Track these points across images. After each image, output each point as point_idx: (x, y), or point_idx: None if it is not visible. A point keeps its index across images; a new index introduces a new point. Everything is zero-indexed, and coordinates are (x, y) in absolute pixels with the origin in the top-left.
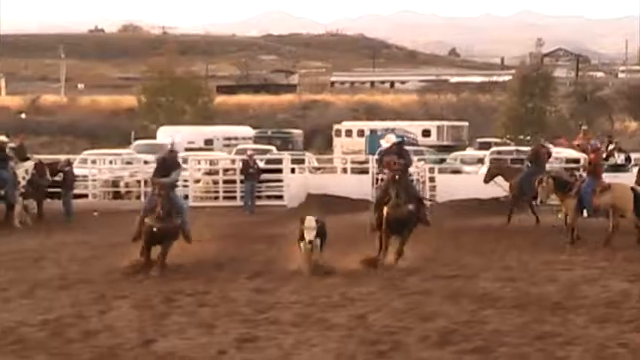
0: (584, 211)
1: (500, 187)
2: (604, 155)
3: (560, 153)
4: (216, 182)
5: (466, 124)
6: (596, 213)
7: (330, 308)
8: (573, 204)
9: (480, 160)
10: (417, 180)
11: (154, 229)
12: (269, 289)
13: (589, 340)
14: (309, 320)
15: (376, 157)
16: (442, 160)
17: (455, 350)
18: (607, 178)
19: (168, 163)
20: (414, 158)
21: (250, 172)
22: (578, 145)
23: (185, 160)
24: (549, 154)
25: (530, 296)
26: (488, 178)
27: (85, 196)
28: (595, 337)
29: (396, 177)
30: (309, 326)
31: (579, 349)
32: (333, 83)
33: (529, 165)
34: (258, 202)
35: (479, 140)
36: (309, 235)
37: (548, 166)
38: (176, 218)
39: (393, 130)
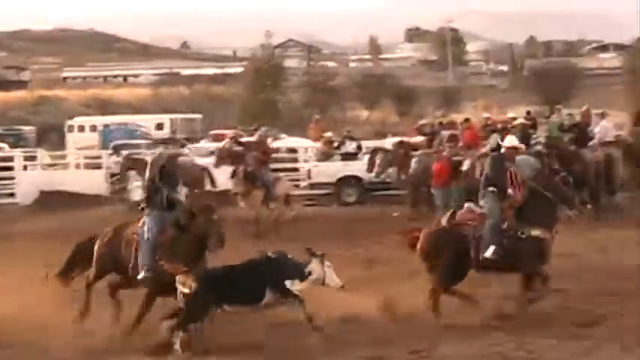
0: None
1: None
2: (335, 144)
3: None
4: None
5: (199, 116)
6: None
7: None
8: (260, 195)
9: (212, 153)
10: None
11: None
12: None
13: None
14: None
15: (109, 151)
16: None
17: None
18: (339, 165)
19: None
20: (149, 152)
21: None
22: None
23: None
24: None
25: None
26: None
27: None
28: None
29: None
30: None
31: None
32: (65, 79)
33: None
34: None
35: (212, 132)
36: None
37: None
38: None
39: (126, 125)
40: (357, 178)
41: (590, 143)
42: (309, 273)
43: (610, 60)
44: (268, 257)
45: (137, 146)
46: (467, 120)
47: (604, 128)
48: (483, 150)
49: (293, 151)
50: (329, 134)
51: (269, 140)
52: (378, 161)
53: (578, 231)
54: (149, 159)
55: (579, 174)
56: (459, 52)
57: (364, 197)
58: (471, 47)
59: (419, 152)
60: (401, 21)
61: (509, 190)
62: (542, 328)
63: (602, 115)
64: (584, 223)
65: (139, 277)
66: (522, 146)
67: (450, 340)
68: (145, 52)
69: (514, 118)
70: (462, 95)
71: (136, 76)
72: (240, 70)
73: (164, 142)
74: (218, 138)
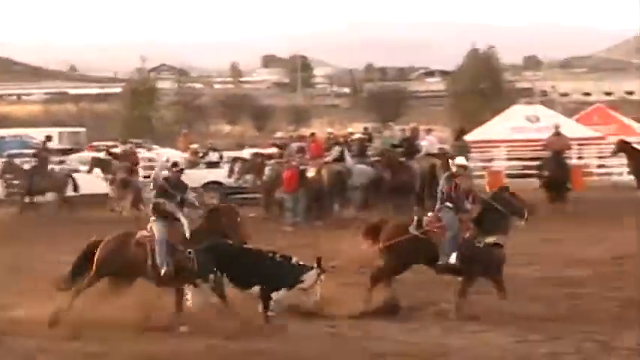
0: None
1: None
2: (200, 155)
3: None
4: None
5: (84, 130)
6: None
7: None
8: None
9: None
10: None
11: None
12: None
13: None
14: None
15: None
16: (61, 162)
17: None
18: (203, 172)
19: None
20: None
21: None
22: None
23: None
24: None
25: None
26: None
27: None
28: None
29: None
30: None
31: None
32: None
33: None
34: None
35: (94, 143)
36: None
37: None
38: None
39: (20, 137)
40: (219, 183)
41: (418, 155)
42: (301, 281)
43: (435, 84)
44: (272, 258)
45: (29, 155)
46: (313, 134)
47: (430, 142)
48: (327, 159)
49: None
50: (195, 146)
51: (138, 151)
52: (237, 169)
53: None
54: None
55: (407, 182)
56: (308, 76)
57: (225, 200)
58: (318, 72)
59: (272, 161)
60: (259, 49)
61: (467, 205)
62: None
63: (428, 131)
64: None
65: (161, 273)
66: (469, 165)
67: None
68: (37, 73)
69: (352, 133)
70: (310, 113)
71: (28, 94)
72: (119, 90)
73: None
74: (93, 149)
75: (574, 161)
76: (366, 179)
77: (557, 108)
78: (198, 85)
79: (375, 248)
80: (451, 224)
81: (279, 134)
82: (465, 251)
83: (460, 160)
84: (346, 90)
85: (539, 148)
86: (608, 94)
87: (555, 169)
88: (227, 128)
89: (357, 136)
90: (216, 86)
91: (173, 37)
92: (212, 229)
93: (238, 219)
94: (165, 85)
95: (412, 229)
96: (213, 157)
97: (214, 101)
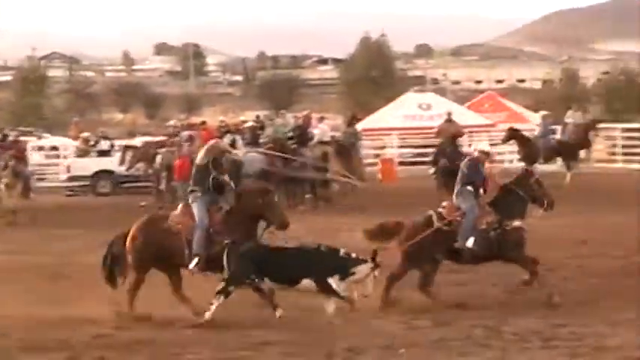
0: None
1: None
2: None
3: None
4: None
5: None
6: None
7: None
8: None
9: None
10: None
11: None
12: None
13: None
14: None
15: None
16: None
17: None
18: (95, 161)
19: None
20: None
21: None
22: None
23: None
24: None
25: None
26: None
27: None
28: None
29: None
30: None
31: None
32: None
33: None
34: None
35: None
36: None
37: None
38: None
39: None
40: (110, 172)
41: (310, 143)
42: (353, 273)
43: (328, 72)
44: (317, 249)
45: None
46: (203, 122)
47: (322, 130)
48: None
49: (55, 148)
50: (86, 134)
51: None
52: (128, 157)
53: (300, 217)
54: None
55: (300, 169)
56: (200, 64)
57: (117, 189)
58: (211, 60)
59: (163, 150)
60: (151, 37)
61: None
62: None
63: (321, 119)
64: (307, 210)
65: (190, 267)
66: (493, 151)
67: None
68: None
69: (245, 122)
70: (203, 101)
71: None
72: (9, 78)
73: None
74: None
75: (465, 149)
76: (258, 167)
77: (449, 96)
78: (89, 74)
79: (398, 248)
80: (471, 209)
81: (171, 122)
82: (485, 236)
83: (484, 145)
84: (239, 78)
85: (431, 135)
86: (500, 81)
87: (449, 157)
88: (119, 116)
89: (249, 124)
90: (108, 74)
91: (64, 26)
92: (247, 213)
93: (276, 200)
94: (56, 73)
95: (436, 222)
96: (104, 145)
97: (106, 89)
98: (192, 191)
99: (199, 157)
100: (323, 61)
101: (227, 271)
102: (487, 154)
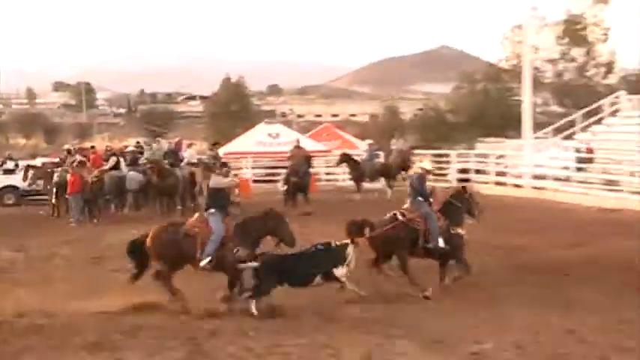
0: None
1: None
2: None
3: None
4: None
5: None
6: None
7: None
8: None
9: None
10: None
11: None
12: None
13: None
14: None
15: None
16: None
17: None
18: (1, 178)
19: None
20: None
21: None
22: None
23: None
24: None
25: None
26: None
27: None
28: None
29: None
30: None
31: None
32: None
33: None
34: None
35: None
36: None
37: None
38: None
39: None
40: (15, 187)
41: (181, 164)
42: (346, 257)
43: (196, 106)
44: (318, 249)
45: None
46: (93, 147)
47: (190, 154)
48: (105, 168)
49: None
50: None
51: None
52: (30, 175)
53: None
54: None
55: (173, 185)
56: (91, 99)
57: (20, 201)
58: (100, 95)
59: (60, 169)
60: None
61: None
62: None
63: (189, 145)
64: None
65: (202, 264)
66: (432, 169)
67: None
68: None
69: (127, 146)
70: (93, 129)
71: None
72: None
73: None
74: None
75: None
76: (137, 184)
77: (294, 127)
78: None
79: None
80: (430, 213)
81: (66, 146)
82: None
83: (426, 164)
84: (123, 111)
85: (279, 158)
86: (335, 115)
87: (300, 176)
88: (23, 141)
89: (130, 148)
90: (14, 106)
91: None
92: (260, 230)
93: (287, 220)
94: None
95: (400, 218)
96: (10, 165)
97: (12, 119)
98: (208, 208)
99: (216, 181)
100: (192, 98)
101: (253, 281)
102: (429, 171)
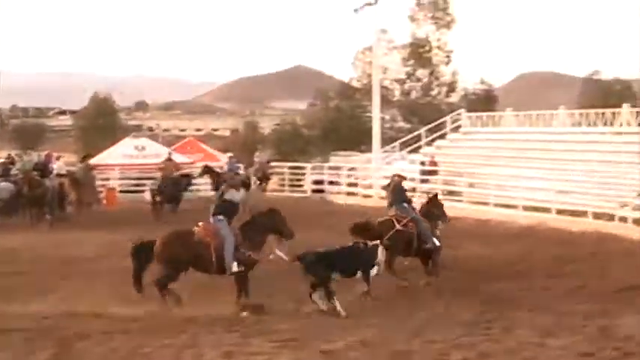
0: None
1: None
2: None
3: None
4: None
5: None
6: None
7: None
8: None
9: None
10: None
11: None
12: None
13: None
14: None
15: None
16: None
17: None
18: None
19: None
20: None
21: None
22: None
23: None
24: None
25: None
26: None
27: None
28: None
29: None
30: None
31: None
32: None
33: None
34: None
35: None
36: None
37: None
38: None
39: None
40: None
41: (51, 175)
42: (378, 257)
43: (66, 121)
44: (364, 247)
45: None
46: None
47: (59, 166)
48: None
49: None
50: None
51: None
52: None
53: (38, 233)
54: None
55: (42, 195)
56: None
57: None
58: None
59: None
60: None
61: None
62: None
63: (58, 157)
64: (45, 228)
65: (234, 270)
66: (405, 175)
67: None
68: None
69: None
70: None
71: None
72: None
73: None
74: None
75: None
76: (8, 194)
77: (160, 141)
78: None
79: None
80: (418, 218)
81: None
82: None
83: (399, 171)
84: None
85: (145, 170)
86: (199, 130)
87: (170, 186)
88: None
89: (1, 160)
90: None
91: None
92: (262, 228)
93: (283, 216)
94: None
95: (397, 225)
96: None
97: None
98: (215, 214)
99: (231, 195)
100: (62, 113)
101: (312, 276)
102: (404, 177)
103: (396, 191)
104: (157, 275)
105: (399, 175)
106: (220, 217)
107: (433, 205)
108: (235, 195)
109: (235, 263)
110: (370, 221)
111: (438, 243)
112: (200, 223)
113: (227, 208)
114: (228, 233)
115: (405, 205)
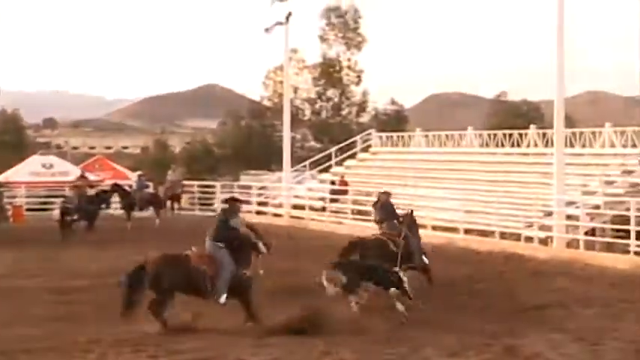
0: None
1: None
2: None
3: None
4: None
5: None
6: None
7: None
8: None
9: None
10: None
11: None
12: None
13: None
14: None
15: None
16: None
17: None
18: None
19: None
20: None
21: None
22: None
23: None
24: None
25: None
26: None
27: None
28: None
29: None
30: None
31: None
32: None
33: None
34: None
35: None
36: None
37: None
38: None
39: None
40: None
41: None
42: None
43: None
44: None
45: None
46: None
47: None
48: None
49: None
50: None
51: None
52: None
53: None
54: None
55: None
56: None
57: None
58: None
59: None
60: None
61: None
62: None
63: None
64: None
65: (222, 301)
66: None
67: None
68: None
69: None
70: None
71: None
72: None
73: None
74: None
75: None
76: None
77: (69, 158)
78: None
79: None
80: (408, 235)
81: None
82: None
83: (386, 189)
84: None
85: (53, 188)
86: (109, 147)
87: (85, 204)
88: None
89: None
90: None
91: None
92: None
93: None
94: None
95: (393, 247)
96: None
97: None
98: (215, 240)
99: (236, 223)
100: None
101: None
102: (390, 194)
103: (385, 208)
104: (150, 300)
105: (386, 192)
106: (221, 244)
107: (413, 221)
108: (238, 222)
109: (224, 295)
110: (365, 239)
111: (426, 260)
112: (193, 248)
113: (229, 236)
114: (228, 262)
115: (395, 222)
